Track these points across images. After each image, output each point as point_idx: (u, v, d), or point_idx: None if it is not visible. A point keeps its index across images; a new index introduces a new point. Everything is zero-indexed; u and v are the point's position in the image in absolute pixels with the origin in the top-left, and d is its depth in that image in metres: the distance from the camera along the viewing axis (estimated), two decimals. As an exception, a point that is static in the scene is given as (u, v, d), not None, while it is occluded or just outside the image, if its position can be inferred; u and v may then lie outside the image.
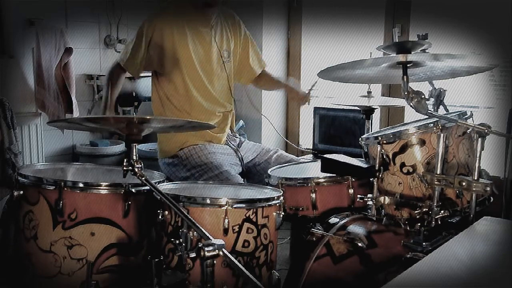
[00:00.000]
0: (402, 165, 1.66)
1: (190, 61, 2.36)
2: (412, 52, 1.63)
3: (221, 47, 2.46)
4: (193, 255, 1.20)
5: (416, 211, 1.59)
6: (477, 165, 1.50)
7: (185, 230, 1.45)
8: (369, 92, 2.32)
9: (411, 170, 1.65)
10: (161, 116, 2.43)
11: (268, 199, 1.68)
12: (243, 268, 1.19)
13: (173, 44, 2.33)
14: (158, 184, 1.81)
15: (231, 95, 2.53)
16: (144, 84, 3.30)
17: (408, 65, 1.58)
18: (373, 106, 2.32)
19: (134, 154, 1.49)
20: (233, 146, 2.47)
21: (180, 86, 2.38)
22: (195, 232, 1.41)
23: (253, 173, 2.47)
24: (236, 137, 2.54)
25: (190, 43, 2.35)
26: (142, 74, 2.48)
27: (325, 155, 1.89)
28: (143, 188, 1.73)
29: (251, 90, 2.81)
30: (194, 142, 2.37)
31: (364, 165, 1.76)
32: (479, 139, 1.50)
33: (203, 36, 2.39)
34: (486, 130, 1.49)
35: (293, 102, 2.65)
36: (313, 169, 2.21)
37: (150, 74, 2.50)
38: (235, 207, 1.59)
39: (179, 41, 2.33)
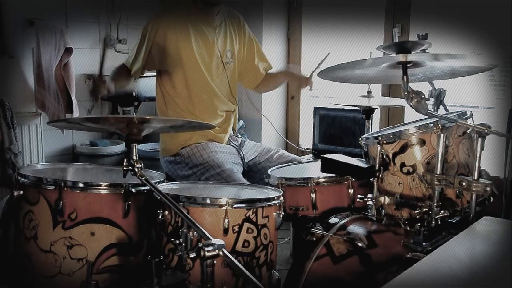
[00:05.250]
0: (402, 165, 1.66)
1: (193, 61, 2.36)
2: (412, 52, 1.63)
3: (224, 47, 2.46)
4: (193, 255, 1.20)
5: (416, 211, 1.59)
6: (477, 165, 1.50)
7: (185, 230, 1.45)
8: (369, 92, 2.32)
9: (411, 170, 1.65)
10: (164, 114, 2.44)
11: (268, 199, 1.68)
12: (243, 268, 1.19)
13: (177, 44, 2.33)
14: (158, 184, 1.81)
15: (233, 96, 2.53)
16: (145, 84, 3.30)
17: (408, 65, 1.58)
18: (373, 106, 2.32)
19: (134, 154, 1.49)
20: (235, 146, 2.48)
21: (182, 85, 2.39)
22: (195, 232, 1.41)
23: (254, 172, 2.47)
24: (238, 137, 2.55)
25: (193, 42, 2.35)
26: (142, 74, 2.48)
27: (325, 155, 1.89)
28: (143, 188, 1.73)
29: (251, 91, 2.82)
30: (196, 140, 2.37)
31: (364, 165, 1.76)
32: (479, 139, 1.50)
33: (206, 36, 2.40)
34: (486, 130, 1.49)
35: (294, 87, 2.64)
36: (313, 169, 2.21)
37: (153, 74, 2.50)
38: (235, 207, 1.59)
39: (182, 41, 2.33)
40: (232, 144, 2.48)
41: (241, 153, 2.46)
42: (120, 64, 2.47)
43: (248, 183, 2.22)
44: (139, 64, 2.37)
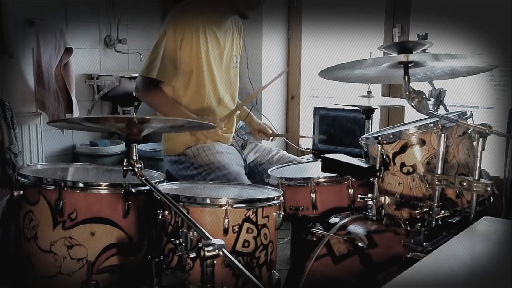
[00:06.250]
0: (402, 165, 1.66)
1: (209, 64, 2.33)
2: (414, 52, 1.63)
3: (232, 52, 2.46)
4: (193, 255, 1.20)
5: (416, 211, 1.59)
6: (477, 165, 1.50)
7: (185, 230, 1.45)
8: (369, 92, 2.32)
9: (411, 170, 1.65)
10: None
11: (268, 199, 1.68)
12: (243, 268, 1.19)
13: (198, 47, 2.28)
14: (158, 184, 1.81)
15: (235, 99, 2.53)
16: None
17: (409, 65, 1.58)
18: (373, 106, 2.32)
19: (134, 154, 1.49)
20: (237, 147, 2.47)
21: (193, 89, 2.34)
22: (195, 232, 1.41)
23: (255, 173, 2.46)
24: (240, 137, 2.54)
25: (209, 45, 2.32)
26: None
27: (325, 155, 1.89)
28: (143, 188, 1.73)
29: (251, 91, 2.81)
30: (202, 141, 2.36)
31: (364, 165, 1.76)
32: (480, 139, 1.50)
33: (219, 40, 2.37)
34: (487, 130, 1.49)
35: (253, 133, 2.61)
36: (313, 169, 2.21)
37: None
38: (235, 207, 1.59)
39: (204, 43, 2.29)
40: (235, 146, 2.47)
41: (243, 155, 2.46)
42: (146, 83, 2.29)
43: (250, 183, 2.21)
44: (172, 71, 2.27)
